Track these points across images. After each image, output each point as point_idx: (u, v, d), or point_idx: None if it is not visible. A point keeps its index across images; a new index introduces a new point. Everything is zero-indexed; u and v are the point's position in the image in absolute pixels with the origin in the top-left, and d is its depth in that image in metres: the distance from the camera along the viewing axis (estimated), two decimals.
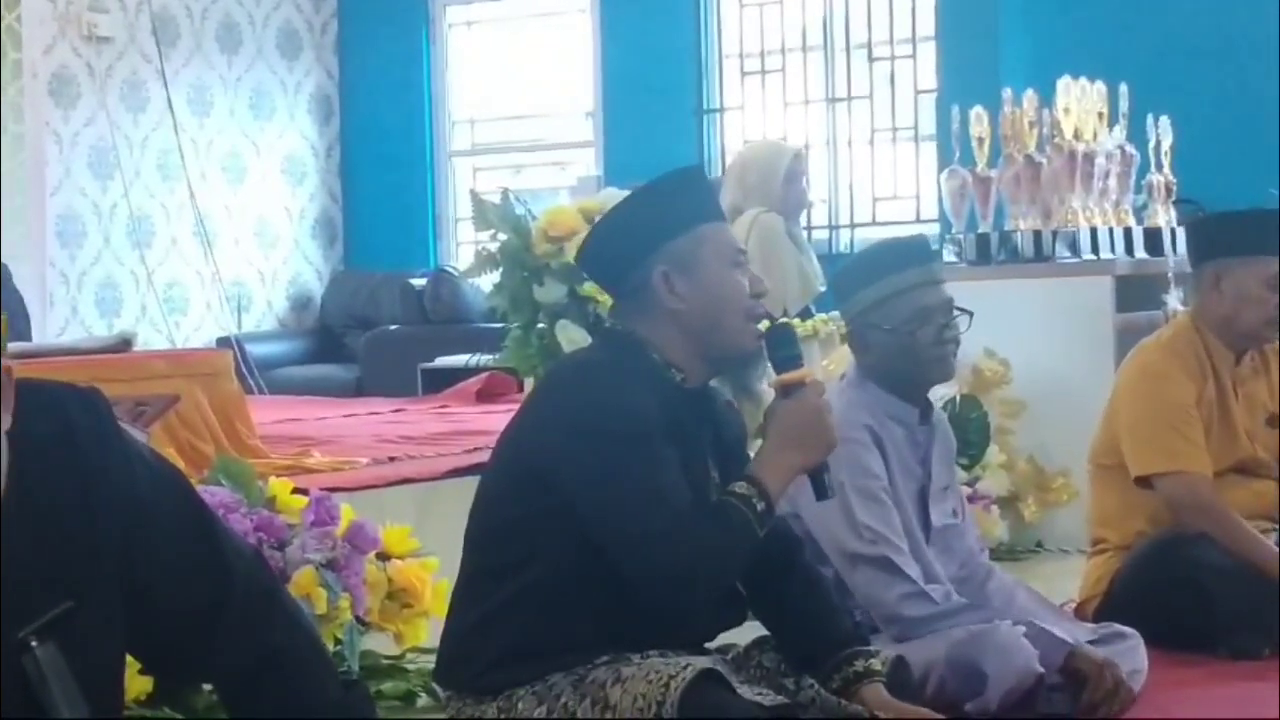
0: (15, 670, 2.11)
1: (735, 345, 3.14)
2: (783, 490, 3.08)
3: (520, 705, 3.00)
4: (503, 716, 3.01)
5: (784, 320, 3.28)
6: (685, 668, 2.89)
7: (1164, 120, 6.95)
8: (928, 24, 9.72)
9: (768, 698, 2.94)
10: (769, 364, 3.15)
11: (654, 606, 3.00)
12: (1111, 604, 4.57)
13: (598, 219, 3.53)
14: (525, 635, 3.02)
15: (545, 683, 3.00)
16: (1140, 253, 6.66)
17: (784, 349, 3.14)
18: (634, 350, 3.11)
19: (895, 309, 3.89)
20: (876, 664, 3.21)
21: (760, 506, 2.99)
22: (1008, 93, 6.58)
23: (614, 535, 2.95)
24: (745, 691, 2.92)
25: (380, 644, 4.15)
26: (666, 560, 2.92)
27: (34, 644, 2.11)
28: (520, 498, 3.04)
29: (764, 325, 3.20)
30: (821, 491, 3.15)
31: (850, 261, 4.15)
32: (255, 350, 10.08)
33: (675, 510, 2.93)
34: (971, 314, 3.94)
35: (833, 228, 10.11)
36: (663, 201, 3.16)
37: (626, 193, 5.72)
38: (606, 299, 3.48)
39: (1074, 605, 4.70)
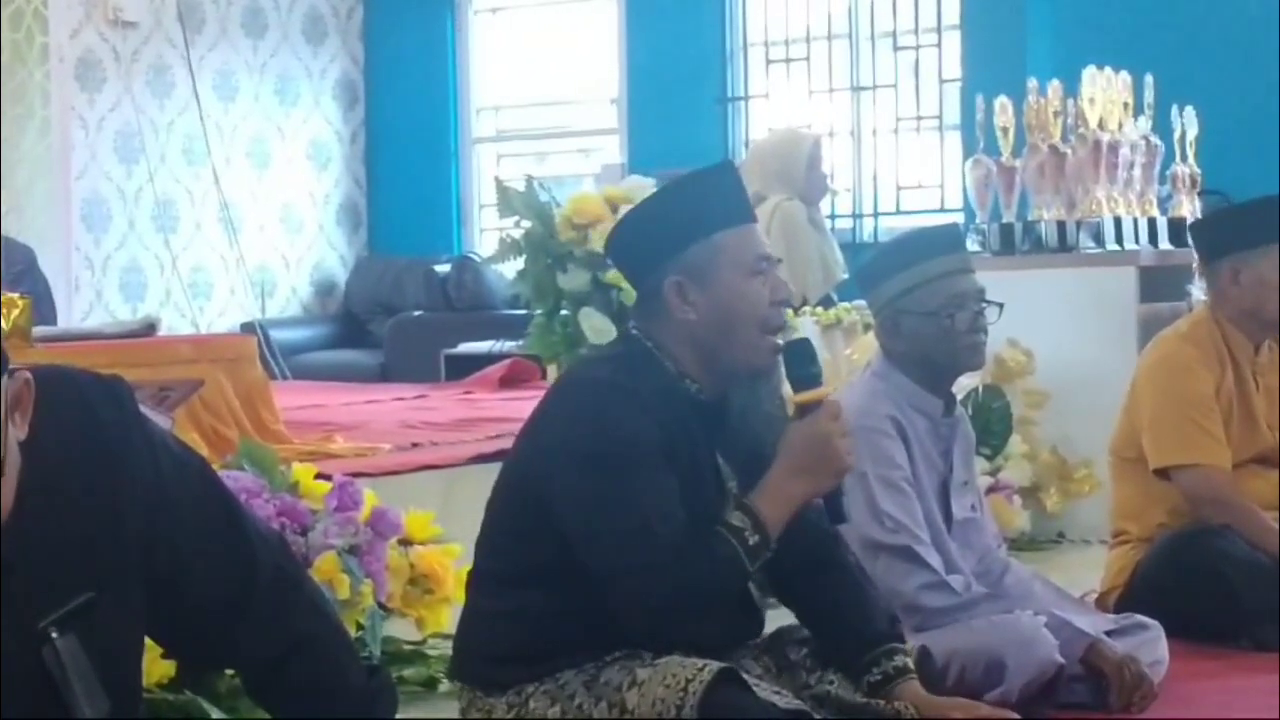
0: (35, 661, 2.11)
1: (746, 360, 3.01)
2: (785, 520, 2.95)
3: (532, 703, 2.97)
4: (513, 715, 2.98)
5: (803, 336, 3.16)
6: (702, 669, 2.83)
7: (1189, 111, 6.92)
8: (953, 13, 9.70)
9: (783, 698, 2.90)
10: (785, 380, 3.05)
11: (636, 634, 2.95)
12: (1133, 595, 4.57)
13: (625, 210, 3.44)
14: (535, 632, 2.99)
15: (556, 681, 2.97)
16: (1164, 243, 6.64)
17: (802, 366, 3.02)
18: (647, 360, 3.01)
19: (929, 295, 3.86)
20: (912, 662, 3.17)
21: (753, 540, 2.90)
22: (1033, 82, 6.56)
23: (597, 564, 2.90)
24: (762, 690, 2.87)
25: (402, 630, 4.16)
26: (645, 594, 2.87)
27: (54, 635, 2.12)
28: (520, 510, 3.01)
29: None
30: (837, 516, 3.07)
31: (879, 249, 4.13)
32: (279, 336, 10.11)
33: (660, 543, 2.85)
34: (1001, 305, 3.93)
35: (856, 217, 10.10)
36: (684, 204, 3.04)
37: (650, 180, 5.72)
38: (630, 286, 3.43)
39: (1095, 596, 4.70)
